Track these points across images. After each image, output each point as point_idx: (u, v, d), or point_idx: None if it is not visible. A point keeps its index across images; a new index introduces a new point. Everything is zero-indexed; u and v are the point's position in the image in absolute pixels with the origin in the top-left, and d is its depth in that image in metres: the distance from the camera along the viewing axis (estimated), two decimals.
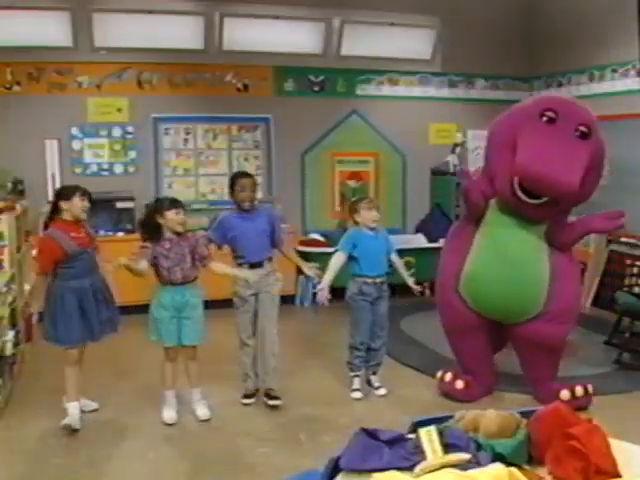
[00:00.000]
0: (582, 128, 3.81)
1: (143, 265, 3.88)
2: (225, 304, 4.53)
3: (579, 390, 4.12)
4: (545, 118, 3.86)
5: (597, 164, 3.92)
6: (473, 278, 4.19)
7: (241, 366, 4.38)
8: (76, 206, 3.91)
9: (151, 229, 4.00)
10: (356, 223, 4.39)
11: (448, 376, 4.39)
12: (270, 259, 4.34)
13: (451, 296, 4.31)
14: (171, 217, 3.95)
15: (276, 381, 4.33)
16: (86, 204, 3.95)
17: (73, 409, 3.92)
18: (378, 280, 4.35)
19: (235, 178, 4.36)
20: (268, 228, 4.31)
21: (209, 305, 4.23)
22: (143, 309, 4.19)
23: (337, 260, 4.36)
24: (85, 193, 3.97)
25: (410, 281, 4.50)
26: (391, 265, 4.47)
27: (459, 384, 4.32)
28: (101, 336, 4.06)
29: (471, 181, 4.12)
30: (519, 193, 3.91)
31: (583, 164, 3.73)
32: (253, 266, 4.25)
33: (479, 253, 4.19)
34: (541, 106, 3.93)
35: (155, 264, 3.96)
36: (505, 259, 4.08)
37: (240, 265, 4.28)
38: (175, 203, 4.02)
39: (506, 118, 4.13)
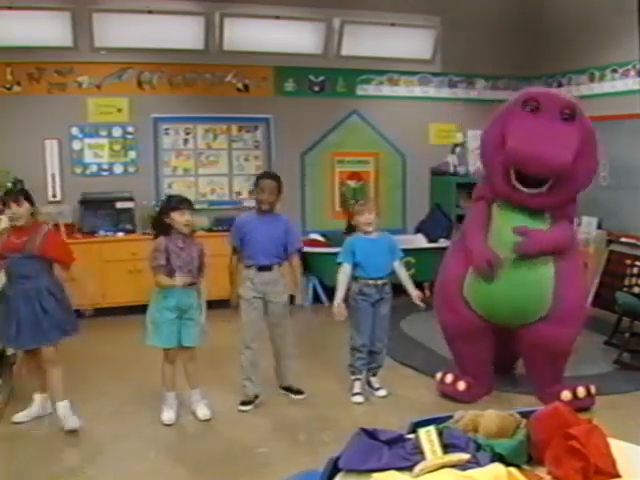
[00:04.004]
0: (566, 111, 3.90)
1: None
2: (224, 304, 4.51)
3: (581, 391, 4.10)
4: (528, 108, 3.94)
5: (588, 144, 3.94)
6: (477, 282, 4.15)
7: (242, 370, 4.25)
8: None
9: (160, 227, 3.99)
10: (355, 228, 4.37)
11: (449, 377, 4.37)
12: (280, 265, 4.29)
13: (454, 300, 4.25)
14: (175, 218, 3.92)
15: (293, 378, 4.42)
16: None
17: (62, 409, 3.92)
18: (379, 282, 4.32)
19: (258, 178, 4.34)
20: (283, 236, 4.28)
21: (209, 305, 4.22)
22: (141, 310, 4.18)
23: (343, 274, 4.32)
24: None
25: (414, 294, 4.38)
26: (393, 272, 4.40)
27: (461, 385, 4.30)
28: (17, 346, 4.06)
29: (477, 249, 4.10)
30: (515, 183, 3.94)
31: (573, 142, 3.82)
32: (261, 269, 4.21)
33: None
34: (523, 98, 4.01)
35: (166, 260, 3.88)
36: (508, 262, 4.04)
37: (248, 267, 4.23)
38: (181, 204, 3.96)
39: (494, 117, 4.19)
